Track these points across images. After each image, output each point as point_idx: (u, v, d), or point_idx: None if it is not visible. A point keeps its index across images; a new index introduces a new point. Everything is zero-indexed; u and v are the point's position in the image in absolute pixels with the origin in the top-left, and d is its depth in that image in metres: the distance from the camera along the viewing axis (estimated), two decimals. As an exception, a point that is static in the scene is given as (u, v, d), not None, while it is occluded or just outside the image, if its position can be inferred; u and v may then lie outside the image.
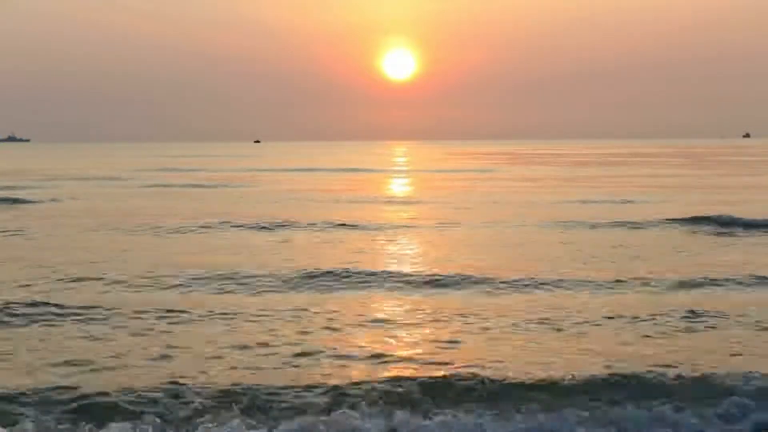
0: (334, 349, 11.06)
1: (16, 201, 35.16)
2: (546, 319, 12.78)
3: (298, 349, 11.01)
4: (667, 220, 25.88)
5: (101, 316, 12.88)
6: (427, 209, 32.23)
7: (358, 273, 16.65)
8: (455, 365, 10.24)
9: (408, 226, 25.91)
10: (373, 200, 36.97)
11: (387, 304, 14.14)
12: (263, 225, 25.29)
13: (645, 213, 28.19)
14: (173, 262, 18.37)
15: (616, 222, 25.69)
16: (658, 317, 12.82)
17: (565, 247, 20.93)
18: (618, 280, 15.89)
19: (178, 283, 15.72)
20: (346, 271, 16.74)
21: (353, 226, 25.18)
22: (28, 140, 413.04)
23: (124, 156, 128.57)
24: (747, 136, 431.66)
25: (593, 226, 24.92)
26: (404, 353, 10.91)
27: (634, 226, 24.93)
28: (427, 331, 12.17)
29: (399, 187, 49.47)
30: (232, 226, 25.25)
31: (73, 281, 15.90)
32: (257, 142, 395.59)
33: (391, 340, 11.65)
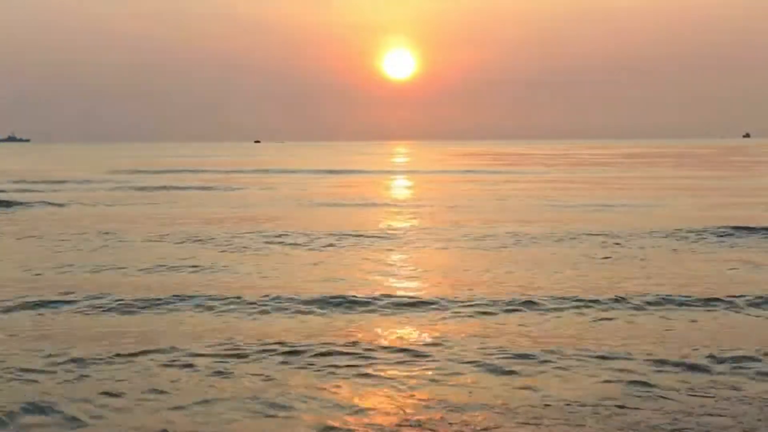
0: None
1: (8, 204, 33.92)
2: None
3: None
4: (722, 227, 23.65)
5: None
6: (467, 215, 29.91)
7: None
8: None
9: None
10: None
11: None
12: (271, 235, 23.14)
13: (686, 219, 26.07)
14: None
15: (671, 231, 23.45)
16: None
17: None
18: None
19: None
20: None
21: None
22: (28, 140, 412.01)
23: (124, 156, 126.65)
24: (747, 136, 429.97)
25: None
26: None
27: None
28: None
29: (418, 190, 47.29)
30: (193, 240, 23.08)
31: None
32: (257, 142, 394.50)
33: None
